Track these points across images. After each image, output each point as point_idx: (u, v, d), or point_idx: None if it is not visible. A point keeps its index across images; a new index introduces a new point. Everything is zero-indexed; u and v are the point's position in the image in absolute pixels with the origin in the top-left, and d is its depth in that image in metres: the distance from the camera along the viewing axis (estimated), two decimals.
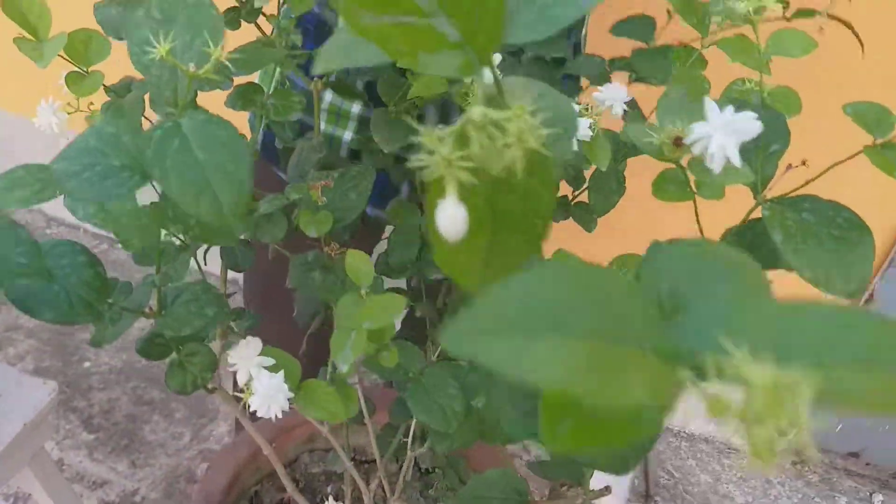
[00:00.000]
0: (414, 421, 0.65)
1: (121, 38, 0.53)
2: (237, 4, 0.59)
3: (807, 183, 0.43)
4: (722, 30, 0.52)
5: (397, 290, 0.68)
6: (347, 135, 0.86)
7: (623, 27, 0.66)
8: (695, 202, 0.40)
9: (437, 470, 0.83)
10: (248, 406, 0.47)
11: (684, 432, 1.93)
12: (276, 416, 0.46)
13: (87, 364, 1.85)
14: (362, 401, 0.66)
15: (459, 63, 0.22)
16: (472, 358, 0.18)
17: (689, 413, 1.90)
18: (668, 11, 0.59)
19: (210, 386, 0.52)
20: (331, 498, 0.79)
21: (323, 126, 0.89)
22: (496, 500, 0.49)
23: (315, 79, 0.64)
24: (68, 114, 0.56)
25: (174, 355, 0.51)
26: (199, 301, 0.44)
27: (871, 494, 1.87)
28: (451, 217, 0.21)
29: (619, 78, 0.64)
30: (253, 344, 0.51)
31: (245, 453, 0.77)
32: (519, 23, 0.23)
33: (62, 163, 0.34)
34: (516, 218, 0.24)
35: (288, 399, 0.48)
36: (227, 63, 0.34)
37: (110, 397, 1.78)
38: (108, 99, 0.56)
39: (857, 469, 1.91)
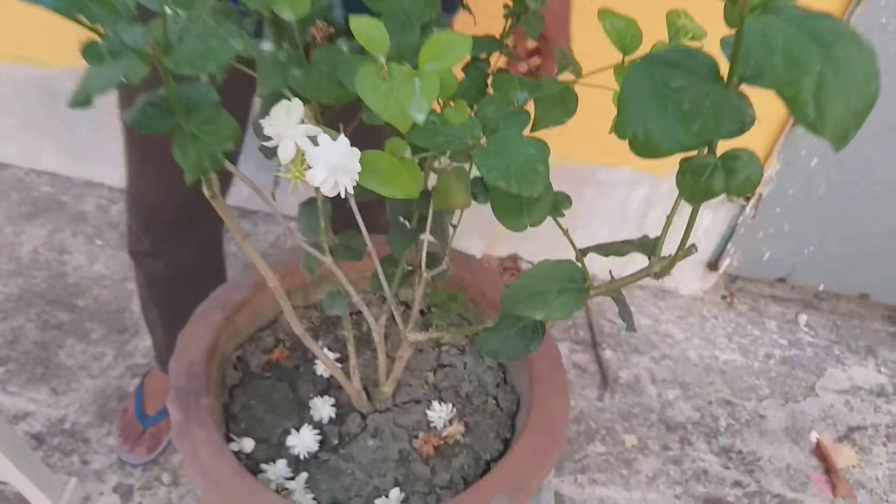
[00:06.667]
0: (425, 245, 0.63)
1: None
2: None
3: None
4: None
5: None
6: None
7: None
8: None
9: (433, 309, 0.83)
10: (299, 185, 0.41)
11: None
12: (346, 190, 0.40)
13: None
14: (367, 237, 0.64)
15: None
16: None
17: (623, 264, 1.97)
18: None
19: (210, 191, 0.46)
20: (325, 350, 0.77)
21: None
22: (553, 292, 0.48)
23: None
24: None
25: (182, 125, 0.40)
26: (219, 33, 0.34)
27: (796, 315, 2.02)
28: None
29: None
30: (294, 109, 0.42)
31: (219, 317, 0.74)
32: None
33: None
34: None
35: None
36: None
37: (13, 326, 1.69)
38: None
39: (783, 294, 2.04)
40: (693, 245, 0.44)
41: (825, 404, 1.80)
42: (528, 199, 0.44)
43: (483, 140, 0.43)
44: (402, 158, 0.42)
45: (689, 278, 2.00)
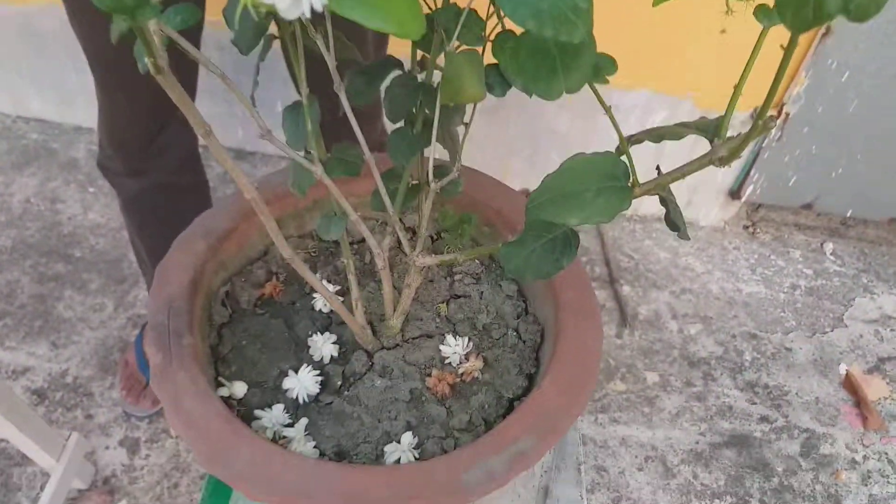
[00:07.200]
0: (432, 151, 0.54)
1: None
2: None
3: None
4: None
5: None
6: None
7: None
8: None
9: (443, 235, 0.74)
10: (251, 10, 0.30)
11: (637, 215, 1.91)
12: (311, 8, 0.30)
13: None
14: (364, 146, 0.55)
15: None
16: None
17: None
18: None
19: (153, 62, 0.36)
20: (323, 282, 0.69)
21: None
22: (590, 192, 0.38)
23: None
24: None
25: None
26: None
27: (822, 244, 1.92)
28: None
29: None
30: None
31: (201, 246, 0.65)
32: None
33: None
34: None
35: None
36: None
37: (8, 280, 1.61)
38: None
39: (808, 222, 1.95)
40: (772, 116, 0.34)
41: (854, 335, 1.72)
42: (563, 55, 0.35)
43: None
44: None
45: (709, 208, 1.90)
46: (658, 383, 1.58)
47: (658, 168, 0.42)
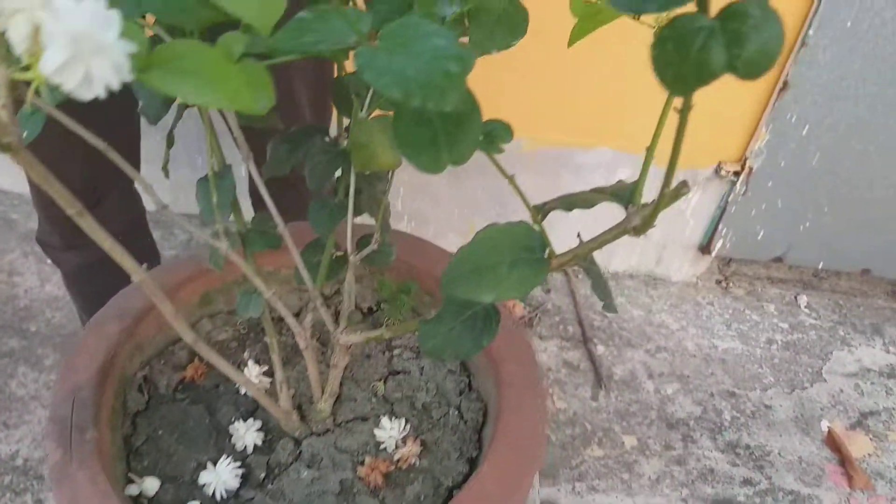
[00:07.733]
0: (350, 224, 0.50)
1: None
2: None
3: None
4: None
5: None
6: None
7: None
8: None
9: (382, 306, 0.70)
10: (43, 85, 0.25)
11: (608, 271, 1.88)
12: (107, 88, 0.25)
13: None
14: (277, 217, 0.51)
15: None
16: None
17: (611, 251, 1.87)
18: None
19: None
20: (250, 363, 0.64)
21: None
22: (504, 266, 0.35)
23: None
24: None
25: None
26: None
27: (796, 296, 1.89)
28: None
29: None
30: None
31: (115, 329, 0.60)
32: None
33: None
34: None
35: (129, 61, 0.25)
36: None
37: None
38: None
39: (781, 275, 1.92)
40: (684, 182, 0.31)
41: (834, 389, 1.68)
42: (445, 124, 0.31)
43: (375, 42, 0.29)
44: (240, 60, 0.29)
45: (679, 264, 1.88)
46: (636, 447, 1.52)
47: (579, 236, 0.38)
